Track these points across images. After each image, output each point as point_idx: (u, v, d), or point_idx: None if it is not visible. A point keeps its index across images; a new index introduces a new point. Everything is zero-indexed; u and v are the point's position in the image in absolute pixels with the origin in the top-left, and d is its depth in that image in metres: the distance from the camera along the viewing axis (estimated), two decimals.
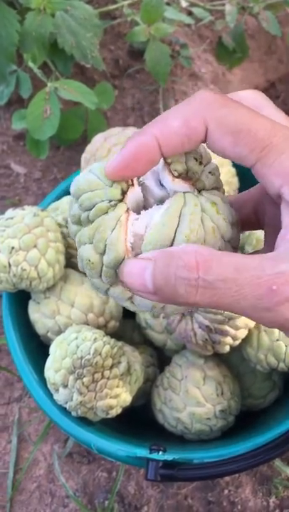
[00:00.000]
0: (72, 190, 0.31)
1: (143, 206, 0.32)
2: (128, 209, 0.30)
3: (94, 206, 0.29)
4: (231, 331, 0.56)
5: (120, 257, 0.29)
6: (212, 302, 0.26)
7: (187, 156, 0.30)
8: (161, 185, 0.31)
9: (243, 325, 0.57)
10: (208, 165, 0.32)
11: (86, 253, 0.30)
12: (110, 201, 0.29)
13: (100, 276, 0.30)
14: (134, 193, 0.31)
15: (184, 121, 0.28)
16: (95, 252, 0.30)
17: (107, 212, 0.29)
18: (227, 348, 0.58)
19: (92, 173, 0.30)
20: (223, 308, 0.26)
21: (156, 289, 0.27)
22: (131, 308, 0.32)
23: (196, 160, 0.31)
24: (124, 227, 0.29)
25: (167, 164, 0.30)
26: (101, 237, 0.29)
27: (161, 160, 0.30)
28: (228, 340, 0.57)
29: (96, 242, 0.29)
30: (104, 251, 0.29)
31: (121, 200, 0.30)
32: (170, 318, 0.59)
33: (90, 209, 0.30)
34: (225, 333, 0.56)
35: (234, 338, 0.57)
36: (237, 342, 0.58)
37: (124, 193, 0.30)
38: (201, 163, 0.31)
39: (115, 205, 0.29)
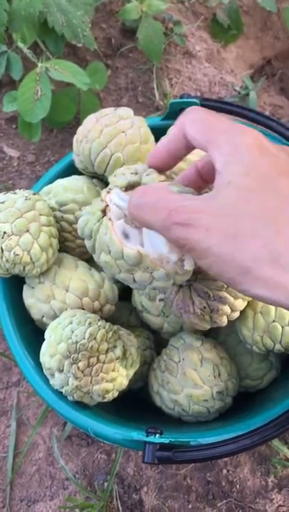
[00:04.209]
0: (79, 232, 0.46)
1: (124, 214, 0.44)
2: (110, 218, 0.42)
3: (91, 230, 0.43)
4: (230, 298, 0.56)
5: (119, 248, 0.41)
6: (141, 218, 0.39)
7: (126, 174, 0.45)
8: (122, 198, 0.44)
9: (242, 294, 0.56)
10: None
11: (102, 258, 0.43)
12: (98, 221, 0.43)
13: (120, 272, 0.42)
14: (112, 211, 0.43)
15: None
16: (105, 254, 0.42)
17: (98, 229, 0.43)
18: (224, 320, 0.57)
19: (85, 213, 0.45)
20: (148, 225, 0.39)
21: (128, 213, 0.41)
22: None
23: (133, 173, 0.45)
24: (112, 229, 0.41)
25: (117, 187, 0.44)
26: (102, 242, 0.42)
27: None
28: (226, 309, 0.56)
29: (101, 247, 0.42)
30: (109, 250, 0.42)
31: (103, 216, 0.43)
32: (167, 292, 0.59)
33: (91, 233, 0.43)
34: (223, 301, 0.55)
35: (232, 308, 0.56)
36: (235, 314, 0.58)
37: (104, 211, 0.43)
38: (136, 173, 0.45)
39: (101, 222, 0.43)
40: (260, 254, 0.32)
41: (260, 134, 0.37)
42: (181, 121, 0.40)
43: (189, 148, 0.42)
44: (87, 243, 0.44)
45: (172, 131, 0.42)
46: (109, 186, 0.45)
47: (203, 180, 0.47)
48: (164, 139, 0.43)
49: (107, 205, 0.43)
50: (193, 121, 0.40)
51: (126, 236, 0.41)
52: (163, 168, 0.45)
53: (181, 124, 0.40)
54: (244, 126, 0.38)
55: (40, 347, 0.59)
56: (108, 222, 0.41)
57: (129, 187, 0.44)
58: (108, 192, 0.44)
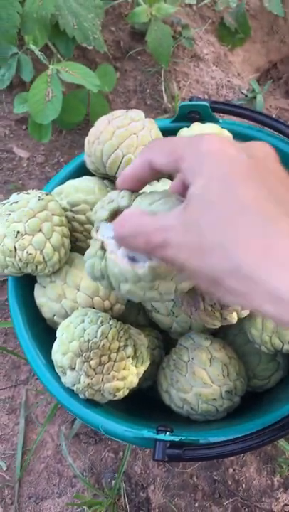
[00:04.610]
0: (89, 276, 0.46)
1: None
2: (111, 251, 0.43)
3: (100, 270, 0.44)
4: None
5: (133, 273, 0.41)
6: (129, 247, 0.40)
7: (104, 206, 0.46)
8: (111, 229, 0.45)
9: None
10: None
11: (123, 289, 0.43)
12: (102, 259, 0.44)
13: (145, 293, 0.43)
14: (110, 244, 0.44)
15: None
16: (124, 284, 0.42)
17: (106, 266, 0.43)
18: (234, 317, 0.58)
19: (87, 259, 0.45)
20: (137, 250, 0.39)
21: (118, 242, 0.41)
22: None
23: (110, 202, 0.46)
24: (118, 259, 0.42)
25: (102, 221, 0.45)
26: (115, 275, 0.42)
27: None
28: (236, 306, 0.57)
29: (118, 280, 0.42)
30: (126, 279, 0.42)
31: (104, 253, 0.44)
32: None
33: (102, 274, 0.44)
34: None
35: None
36: (244, 312, 0.58)
37: (102, 248, 0.44)
38: (112, 201, 0.46)
39: (105, 258, 0.43)
40: (222, 266, 0.32)
41: (221, 136, 0.37)
42: (145, 154, 0.42)
43: (154, 175, 0.43)
44: (103, 284, 0.45)
45: (136, 162, 0.43)
46: (95, 225, 0.46)
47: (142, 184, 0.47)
48: (128, 167, 0.44)
49: (102, 242, 0.44)
50: (156, 149, 0.41)
51: (133, 259, 0.42)
52: (134, 189, 0.46)
53: (144, 156, 0.42)
54: (204, 134, 0.38)
55: (51, 345, 0.60)
56: (112, 255, 0.42)
57: (113, 216, 0.45)
58: (97, 230, 0.45)
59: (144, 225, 0.38)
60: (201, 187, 0.34)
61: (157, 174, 0.43)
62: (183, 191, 0.44)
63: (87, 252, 0.46)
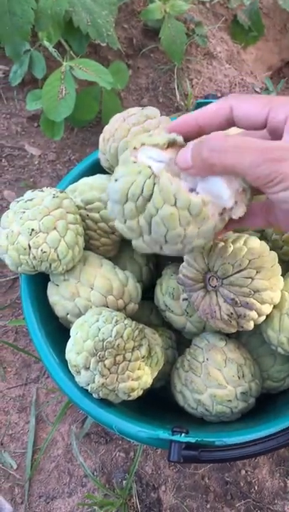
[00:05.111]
0: None
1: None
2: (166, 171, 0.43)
3: (142, 188, 0.43)
4: (257, 304, 0.55)
5: (186, 197, 0.41)
6: (221, 163, 0.40)
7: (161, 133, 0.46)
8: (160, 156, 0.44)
9: (269, 299, 0.56)
10: None
11: (166, 211, 0.42)
12: (149, 177, 0.42)
13: (177, 226, 0.42)
14: (160, 167, 0.43)
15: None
16: (169, 205, 0.42)
17: (152, 185, 0.42)
18: (251, 324, 0.57)
19: (121, 178, 0.44)
20: (230, 168, 0.40)
21: (193, 162, 0.41)
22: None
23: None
24: (175, 180, 0.42)
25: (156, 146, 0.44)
26: (167, 193, 0.42)
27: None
28: (253, 314, 0.56)
29: (166, 199, 0.42)
30: (176, 200, 0.42)
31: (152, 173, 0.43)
32: (193, 296, 0.59)
33: (141, 192, 0.43)
34: (250, 307, 0.55)
35: (259, 313, 0.56)
36: (261, 318, 0.57)
37: (150, 168, 0.43)
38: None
39: (154, 177, 0.42)
40: None
41: None
42: (227, 100, 0.43)
43: (223, 125, 0.44)
44: (130, 205, 0.43)
45: (210, 106, 0.43)
46: (131, 147, 0.44)
47: (200, 129, 0.47)
48: (191, 114, 0.45)
49: (149, 166, 0.43)
50: (243, 98, 0.42)
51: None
52: (186, 133, 0.46)
53: (227, 101, 0.43)
54: None
55: (64, 344, 0.60)
56: (168, 174, 0.41)
57: (168, 146, 0.44)
58: (135, 155, 0.44)
59: (254, 141, 0.39)
60: None
61: (227, 126, 0.44)
62: (196, 128, 0.45)
63: (120, 171, 0.44)
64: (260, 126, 0.42)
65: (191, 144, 0.42)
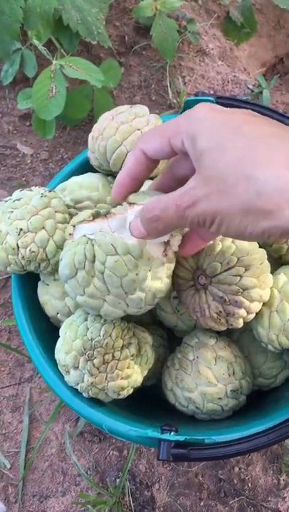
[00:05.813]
0: None
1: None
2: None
3: (83, 255, 0.47)
4: (245, 302, 0.55)
5: (123, 243, 0.46)
6: (156, 228, 0.42)
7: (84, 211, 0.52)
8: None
9: (258, 297, 0.56)
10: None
11: (110, 261, 0.46)
12: (86, 243, 0.48)
13: (127, 273, 0.47)
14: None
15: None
16: (111, 256, 0.46)
17: (92, 247, 0.47)
18: (240, 322, 0.57)
19: (64, 257, 0.50)
20: (164, 229, 0.42)
21: (145, 229, 0.43)
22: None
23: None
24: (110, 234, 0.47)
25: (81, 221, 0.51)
26: (106, 245, 0.47)
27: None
28: (242, 312, 0.56)
29: (108, 251, 0.47)
30: (115, 248, 0.46)
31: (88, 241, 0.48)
32: (182, 294, 0.59)
33: (84, 257, 0.48)
34: (239, 305, 0.55)
35: (248, 311, 0.56)
36: (251, 316, 0.57)
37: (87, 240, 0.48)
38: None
39: (89, 242, 0.48)
40: (249, 195, 0.35)
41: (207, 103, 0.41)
42: (137, 146, 0.45)
43: (150, 167, 0.46)
44: (81, 274, 0.47)
45: (130, 159, 0.45)
46: (68, 231, 0.51)
47: (137, 181, 0.49)
48: (122, 171, 0.47)
49: (85, 235, 0.48)
50: (147, 137, 0.44)
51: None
52: (132, 191, 0.48)
53: (136, 148, 0.45)
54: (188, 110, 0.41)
55: (55, 344, 0.60)
56: (100, 233, 0.47)
57: (94, 217, 0.50)
58: (71, 233, 0.51)
59: (169, 199, 0.40)
60: (206, 140, 0.37)
61: (153, 165, 0.46)
62: (173, 184, 0.48)
63: (62, 253, 0.49)
64: (172, 154, 0.44)
65: (138, 213, 0.45)
